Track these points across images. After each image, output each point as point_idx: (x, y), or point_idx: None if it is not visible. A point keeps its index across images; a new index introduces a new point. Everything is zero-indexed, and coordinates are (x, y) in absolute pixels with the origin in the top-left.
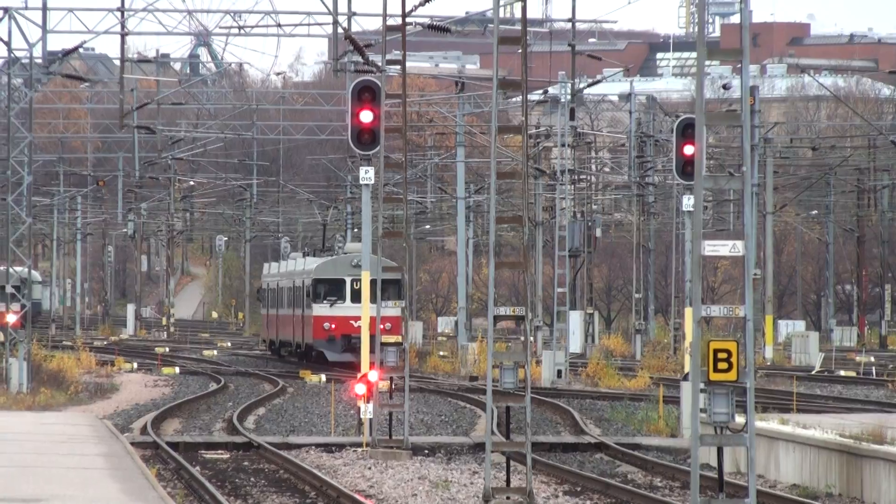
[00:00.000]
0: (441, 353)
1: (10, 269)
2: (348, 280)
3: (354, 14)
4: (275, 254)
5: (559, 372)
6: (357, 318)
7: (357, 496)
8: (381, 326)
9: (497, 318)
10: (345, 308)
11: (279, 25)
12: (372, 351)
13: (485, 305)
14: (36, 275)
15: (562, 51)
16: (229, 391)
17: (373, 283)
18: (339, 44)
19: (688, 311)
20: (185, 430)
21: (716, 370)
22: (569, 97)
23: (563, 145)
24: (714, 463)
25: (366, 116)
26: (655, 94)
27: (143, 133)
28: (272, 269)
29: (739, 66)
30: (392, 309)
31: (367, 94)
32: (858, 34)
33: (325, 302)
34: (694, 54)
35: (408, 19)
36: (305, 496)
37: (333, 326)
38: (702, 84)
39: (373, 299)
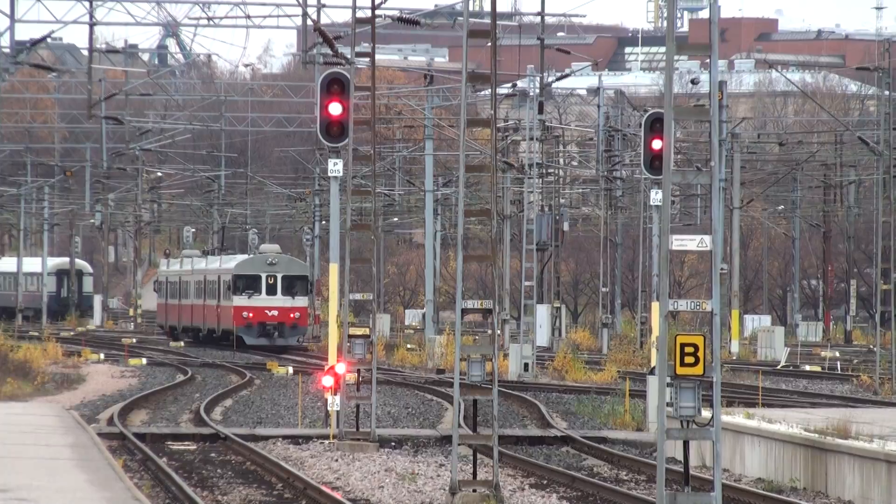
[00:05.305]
0: (408, 346)
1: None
2: (264, 276)
3: (323, 6)
4: (242, 245)
5: (526, 365)
6: (271, 308)
7: (324, 488)
8: (292, 315)
9: (465, 311)
10: (261, 300)
11: (248, 17)
12: (282, 336)
13: (452, 298)
14: (85, 265)
15: (531, 44)
16: (196, 382)
17: (283, 278)
18: (309, 35)
19: (655, 306)
20: (152, 421)
21: (682, 364)
22: (537, 91)
23: (531, 139)
24: (680, 457)
25: (335, 109)
26: (624, 89)
27: (111, 123)
28: (171, 265)
29: (708, 61)
30: (302, 300)
31: (336, 87)
32: (826, 30)
33: (244, 294)
34: (662, 49)
35: (377, 12)
36: (272, 488)
37: (251, 315)
38: (671, 79)
39: (283, 292)
